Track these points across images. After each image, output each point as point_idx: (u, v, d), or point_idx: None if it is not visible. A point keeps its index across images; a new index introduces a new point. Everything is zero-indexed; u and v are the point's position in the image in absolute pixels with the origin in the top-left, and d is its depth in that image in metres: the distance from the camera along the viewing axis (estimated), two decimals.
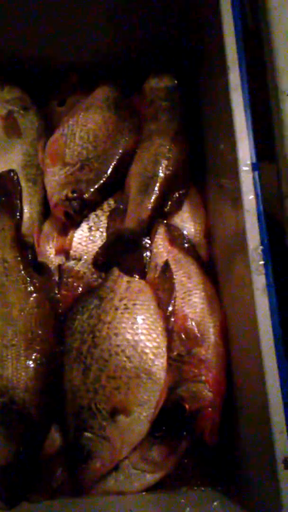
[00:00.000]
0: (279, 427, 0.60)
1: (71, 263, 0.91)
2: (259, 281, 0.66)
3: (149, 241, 0.89)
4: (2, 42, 0.98)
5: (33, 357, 0.79)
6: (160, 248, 0.91)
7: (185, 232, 0.94)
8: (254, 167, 0.70)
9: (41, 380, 0.78)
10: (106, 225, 0.94)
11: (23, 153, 0.99)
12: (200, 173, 0.99)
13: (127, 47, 1.02)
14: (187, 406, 0.78)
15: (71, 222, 0.91)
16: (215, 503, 0.73)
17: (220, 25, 0.76)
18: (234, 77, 0.73)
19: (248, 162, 0.70)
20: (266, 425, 0.62)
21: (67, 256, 0.91)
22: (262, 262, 0.67)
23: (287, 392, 0.62)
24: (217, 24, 0.77)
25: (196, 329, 0.83)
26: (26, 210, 0.95)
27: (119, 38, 0.99)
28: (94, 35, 0.98)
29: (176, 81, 1.02)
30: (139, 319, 0.81)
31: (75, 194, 0.90)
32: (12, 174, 0.95)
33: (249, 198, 0.69)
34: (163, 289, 0.85)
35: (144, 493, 0.78)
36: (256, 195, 0.69)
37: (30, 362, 0.79)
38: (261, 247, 0.67)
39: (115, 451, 0.75)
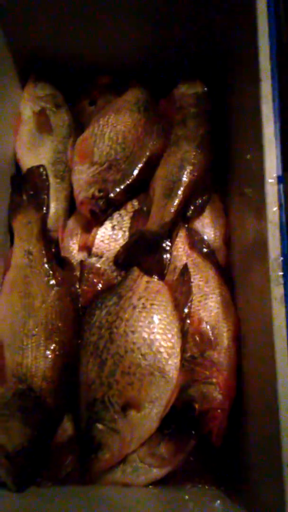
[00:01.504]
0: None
1: (93, 259, 0.94)
2: (278, 291, 0.68)
3: (169, 244, 0.91)
4: (38, 41, 1.02)
5: (52, 347, 0.82)
6: (180, 251, 0.94)
7: (205, 237, 0.97)
8: (280, 179, 0.72)
9: (58, 370, 0.81)
10: (129, 225, 0.96)
11: (53, 150, 1.02)
12: (223, 180, 1.01)
13: (158, 52, 1.04)
14: (197, 406, 0.80)
15: (95, 220, 0.94)
16: (217, 502, 0.75)
17: (254, 37, 0.77)
18: (266, 90, 0.75)
19: (275, 174, 0.72)
20: (274, 429, 0.64)
21: (90, 253, 0.94)
22: (281, 273, 0.69)
23: None
24: (252, 35, 0.78)
25: (210, 332, 0.85)
26: (52, 205, 0.99)
27: (152, 43, 1.02)
28: (127, 39, 1.01)
29: (206, 88, 1.04)
30: (156, 318, 0.83)
31: (101, 193, 0.93)
32: (41, 169, 0.98)
33: (273, 209, 0.71)
34: (181, 291, 0.87)
35: (150, 486, 0.81)
36: (280, 207, 0.71)
37: (49, 353, 0.82)
38: (281, 258, 0.69)
39: (124, 444, 0.78)
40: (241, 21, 0.85)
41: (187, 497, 0.78)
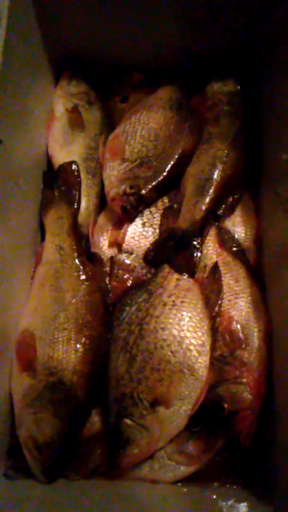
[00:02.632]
0: None
1: (123, 256, 0.94)
2: None
3: (200, 242, 0.91)
4: (72, 39, 1.03)
5: (82, 341, 0.83)
6: (210, 249, 0.94)
7: (235, 236, 0.96)
8: None
9: (88, 365, 0.82)
10: (159, 222, 0.96)
11: (85, 146, 1.03)
12: (255, 179, 1.00)
13: (192, 49, 1.04)
14: (226, 406, 0.80)
15: (126, 217, 0.95)
16: (245, 503, 0.75)
17: None
18: None
19: None
20: None
21: (120, 249, 0.95)
22: None
23: None
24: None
25: (240, 331, 0.85)
26: (83, 201, 0.99)
27: (184, 40, 1.01)
28: (160, 38, 1.01)
29: (239, 87, 1.04)
30: (186, 316, 0.83)
31: (132, 190, 0.93)
32: (73, 166, 0.99)
33: None
34: (211, 289, 0.87)
35: (177, 484, 0.81)
36: None
37: (79, 346, 0.82)
38: None
39: (152, 440, 0.78)
40: (281, 17, 0.85)
41: (214, 496, 0.78)
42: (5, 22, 0.80)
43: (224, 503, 0.76)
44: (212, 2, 0.90)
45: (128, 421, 0.78)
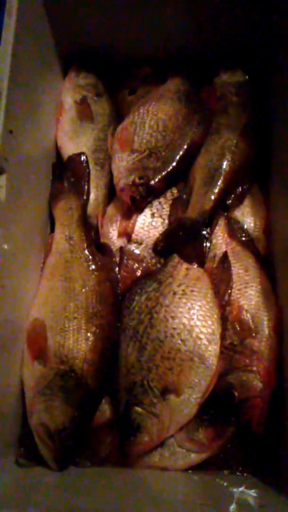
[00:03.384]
0: None
1: (132, 246, 0.95)
2: None
3: (209, 232, 0.92)
4: (80, 32, 1.03)
5: (93, 330, 0.83)
6: (219, 239, 0.94)
7: (245, 226, 0.97)
8: None
9: (98, 353, 0.82)
10: (168, 212, 0.97)
11: (94, 138, 1.04)
12: (264, 169, 1.00)
13: (199, 41, 1.04)
14: (236, 394, 0.80)
15: (135, 207, 0.95)
16: (255, 490, 0.75)
17: None
18: None
19: None
20: None
21: (129, 239, 0.95)
22: None
23: None
24: None
25: (250, 320, 0.85)
26: (92, 192, 1.00)
27: (192, 33, 1.02)
28: (168, 29, 1.01)
29: (247, 77, 1.04)
30: (196, 305, 0.83)
31: (142, 180, 0.93)
32: (82, 157, 1.00)
33: None
34: (221, 279, 0.88)
35: (190, 471, 0.81)
36: None
37: (90, 335, 0.83)
38: None
39: (163, 428, 0.79)
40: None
41: (225, 483, 0.78)
42: (15, 15, 0.80)
43: (234, 490, 0.75)
44: None
45: (138, 409, 0.79)
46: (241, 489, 0.76)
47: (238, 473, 0.81)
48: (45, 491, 0.75)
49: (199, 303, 0.84)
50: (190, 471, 0.81)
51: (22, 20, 0.81)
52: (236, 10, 0.95)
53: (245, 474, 0.80)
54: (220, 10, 0.95)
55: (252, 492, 0.75)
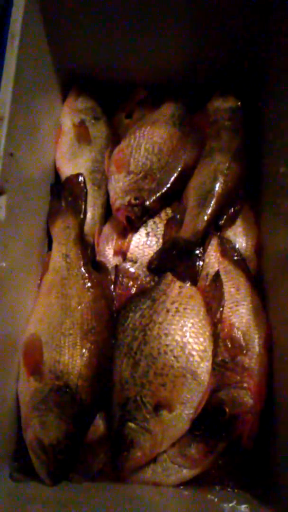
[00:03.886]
0: None
1: (127, 264, 0.97)
2: None
3: (202, 251, 0.95)
4: (79, 58, 1.08)
5: (88, 347, 0.86)
6: (212, 258, 0.97)
7: (236, 246, 1.00)
8: None
9: (93, 369, 0.84)
10: (162, 232, 1.00)
11: (91, 159, 1.08)
12: (255, 191, 1.04)
13: (193, 68, 1.09)
14: (227, 410, 0.82)
15: (131, 227, 0.98)
16: (245, 505, 0.77)
17: None
18: None
19: None
20: None
21: (124, 258, 0.98)
22: None
23: None
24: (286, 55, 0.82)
25: (241, 338, 0.87)
26: (89, 211, 1.03)
27: (187, 60, 1.07)
28: (164, 55, 1.06)
29: (239, 103, 1.08)
30: (189, 322, 0.86)
31: (137, 201, 0.97)
32: (80, 177, 1.03)
33: None
34: (213, 297, 0.90)
35: (180, 487, 0.82)
36: None
37: (85, 351, 0.85)
38: None
39: (155, 443, 0.80)
40: (278, 38, 0.89)
41: (216, 499, 0.79)
42: (18, 43, 0.84)
43: (225, 505, 0.77)
44: (212, 23, 0.95)
45: (132, 424, 0.81)
46: (232, 504, 0.78)
47: (229, 489, 0.82)
48: (39, 506, 0.77)
49: (191, 321, 0.86)
50: (182, 487, 0.82)
51: (24, 48, 0.85)
52: (228, 40, 1.01)
53: (236, 490, 0.82)
54: (213, 39, 1.00)
55: (243, 508, 0.76)
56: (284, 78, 0.84)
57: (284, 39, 0.83)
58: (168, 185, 1.00)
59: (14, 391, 0.85)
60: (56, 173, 1.09)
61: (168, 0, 0.91)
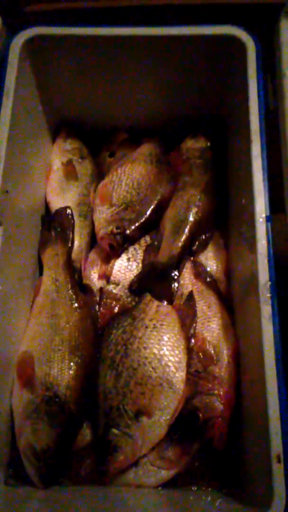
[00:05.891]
0: (275, 429, 0.74)
1: (111, 287, 1.08)
2: (266, 310, 0.82)
3: (177, 274, 1.05)
4: (68, 109, 1.23)
5: (75, 361, 0.95)
6: (186, 280, 1.08)
7: (208, 269, 1.10)
8: (268, 219, 0.87)
9: (80, 381, 0.93)
10: (142, 257, 1.11)
11: (78, 194, 1.19)
12: (223, 220, 1.16)
13: (167, 114, 1.23)
14: (200, 415, 0.91)
15: (113, 253, 1.09)
16: (218, 501, 0.85)
17: (247, 106, 0.95)
18: (256, 148, 0.91)
19: (263, 215, 0.87)
20: (265, 429, 0.75)
21: (108, 281, 1.09)
22: (269, 295, 0.82)
23: (284, 403, 0.76)
24: (245, 104, 0.96)
25: (212, 350, 0.97)
26: (76, 240, 1.14)
27: (162, 107, 1.21)
28: (141, 104, 1.20)
29: (209, 144, 1.22)
30: (165, 337, 0.96)
31: (119, 230, 1.08)
32: (68, 210, 1.14)
33: (262, 243, 0.86)
34: (187, 314, 1.01)
35: (159, 488, 0.90)
36: (268, 241, 0.86)
37: (72, 365, 0.94)
38: (269, 282, 0.83)
39: (136, 447, 0.88)
40: (237, 91, 1.04)
41: (191, 498, 0.88)
42: (12, 96, 0.96)
43: (201, 503, 0.85)
44: (181, 80, 1.10)
45: (115, 430, 0.88)
46: (207, 501, 0.86)
47: (204, 488, 0.90)
48: (31, 507, 0.84)
49: (167, 335, 0.96)
50: (160, 488, 0.90)
51: (17, 99, 0.96)
52: (197, 93, 1.15)
53: (210, 489, 0.90)
54: (183, 92, 1.15)
55: (217, 503, 0.84)
56: (241, 124, 0.97)
57: (241, 94, 0.97)
58: (147, 216, 1.12)
59: (8, 403, 0.93)
60: (47, 206, 1.20)
61: (142, 61, 1.05)
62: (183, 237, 1.09)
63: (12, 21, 1.08)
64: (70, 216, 1.14)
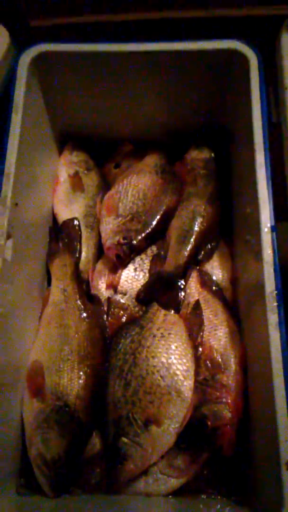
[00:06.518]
0: (284, 436, 0.74)
1: (118, 296, 1.10)
2: (273, 318, 0.83)
3: (183, 283, 1.07)
4: (74, 121, 1.25)
5: (84, 370, 0.96)
6: (192, 289, 1.09)
7: (214, 278, 1.12)
8: (273, 229, 0.89)
9: (89, 390, 0.95)
10: (148, 267, 1.13)
11: (85, 205, 1.21)
12: (228, 229, 1.18)
13: (173, 126, 1.25)
14: (209, 423, 0.92)
15: (120, 263, 1.11)
16: (227, 509, 0.85)
17: (250, 118, 0.97)
18: (260, 158, 0.93)
19: (268, 225, 0.89)
20: (274, 436, 0.76)
21: (115, 291, 1.10)
22: (275, 304, 0.83)
23: None
24: (248, 116, 0.98)
25: (220, 358, 0.98)
26: (84, 251, 1.15)
27: (166, 120, 1.23)
28: (146, 117, 1.23)
29: (213, 154, 1.24)
30: (173, 346, 0.97)
31: (125, 240, 1.10)
32: (75, 221, 1.16)
33: (268, 252, 0.87)
34: (194, 323, 1.02)
35: (169, 496, 0.91)
36: (273, 250, 0.87)
37: (82, 374, 0.96)
38: (275, 291, 0.84)
39: (146, 455, 0.89)
40: (240, 103, 1.06)
41: (201, 506, 0.88)
42: (21, 111, 0.99)
43: (210, 510, 0.86)
44: (185, 92, 1.13)
45: (124, 439, 0.89)
46: (216, 509, 0.87)
47: (213, 496, 0.91)
48: None
49: (175, 344, 0.97)
50: (170, 496, 0.91)
51: (26, 114, 0.98)
52: (201, 104, 1.17)
53: (219, 497, 0.91)
54: (187, 103, 1.17)
55: (226, 511, 0.85)
56: (245, 135, 0.99)
57: (244, 106, 0.99)
58: (153, 226, 1.13)
59: (19, 413, 0.95)
60: (54, 217, 1.22)
61: (146, 75, 1.07)
62: (189, 247, 1.11)
63: (19, 35, 1.11)
64: (77, 227, 1.16)
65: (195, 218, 1.14)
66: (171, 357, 0.95)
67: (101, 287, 1.12)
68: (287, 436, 0.74)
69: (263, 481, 0.82)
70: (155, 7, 1.49)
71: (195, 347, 0.99)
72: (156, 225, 1.14)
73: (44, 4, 1.52)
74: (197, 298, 1.07)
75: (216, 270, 1.14)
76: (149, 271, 1.12)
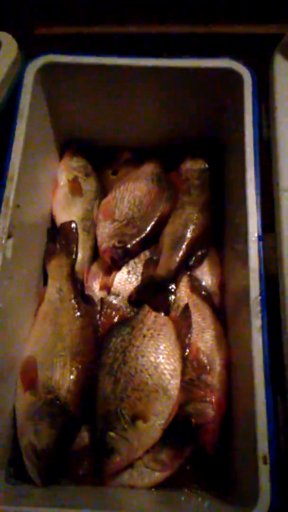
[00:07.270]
0: (262, 432, 0.79)
1: (111, 297, 1.14)
2: (257, 322, 0.88)
3: (174, 287, 1.12)
4: (75, 129, 1.30)
5: (76, 366, 1.00)
6: (182, 293, 1.14)
7: (203, 283, 1.17)
8: (260, 238, 0.94)
9: (80, 385, 0.99)
10: (141, 270, 1.18)
11: (82, 209, 1.26)
12: (219, 237, 1.23)
13: (169, 137, 1.31)
14: (193, 421, 0.97)
15: (114, 266, 1.15)
16: (207, 502, 0.90)
17: (243, 134, 1.02)
18: (250, 173, 0.98)
19: (256, 234, 0.94)
20: (253, 432, 0.81)
21: (109, 292, 1.15)
22: (259, 309, 0.88)
23: (270, 408, 0.81)
24: (241, 132, 1.03)
25: (205, 359, 1.03)
26: (80, 253, 1.19)
27: (163, 131, 1.29)
28: (144, 126, 1.28)
29: (207, 165, 1.30)
30: (161, 346, 1.01)
31: (120, 244, 1.15)
32: (72, 224, 1.20)
33: (254, 260, 0.92)
34: (182, 325, 1.06)
35: (153, 489, 0.95)
36: (259, 259, 0.93)
37: (73, 370, 0.99)
38: (260, 297, 0.89)
39: (132, 449, 0.93)
40: (234, 119, 1.11)
41: (183, 498, 0.92)
42: (26, 117, 1.04)
43: (192, 503, 0.90)
44: (182, 106, 1.18)
45: (111, 433, 0.93)
46: (197, 502, 0.91)
47: (194, 490, 0.95)
48: (31, 504, 0.88)
49: (164, 345, 1.01)
50: (153, 489, 0.95)
51: (30, 120, 1.03)
52: (196, 118, 1.23)
53: (200, 491, 0.95)
54: (184, 116, 1.23)
55: (206, 504, 0.89)
56: (237, 149, 1.05)
57: (238, 122, 1.05)
58: (147, 231, 1.18)
59: (11, 404, 0.98)
60: (53, 220, 1.26)
61: (146, 88, 1.13)
62: (181, 253, 1.16)
63: (25, 43, 1.16)
64: (74, 230, 1.19)
65: (187, 225, 1.19)
66: (159, 357, 1.00)
67: (95, 288, 1.16)
68: (265, 431, 0.79)
69: (242, 475, 0.87)
70: (158, 20, 1.57)
71: (182, 348, 1.03)
72: (150, 230, 1.19)
73: (49, 13, 1.59)
74: (186, 301, 1.11)
75: (206, 275, 1.19)
76: (142, 274, 1.17)
